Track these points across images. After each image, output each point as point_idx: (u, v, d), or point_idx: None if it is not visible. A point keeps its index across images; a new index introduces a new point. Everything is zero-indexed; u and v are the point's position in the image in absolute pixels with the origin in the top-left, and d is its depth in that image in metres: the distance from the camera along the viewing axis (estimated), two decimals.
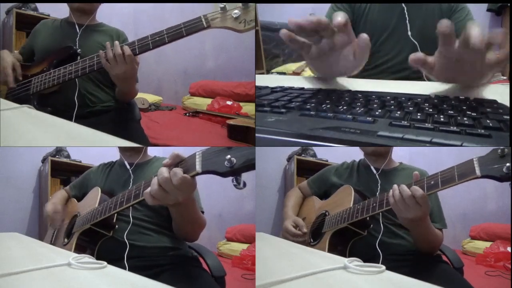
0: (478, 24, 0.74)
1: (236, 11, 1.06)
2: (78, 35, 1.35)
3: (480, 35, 0.72)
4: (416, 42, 1.38)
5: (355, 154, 1.43)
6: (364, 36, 0.89)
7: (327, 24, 0.84)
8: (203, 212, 1.16)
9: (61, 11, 1.47)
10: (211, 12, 1.07)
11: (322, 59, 0.93)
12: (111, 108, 1.38)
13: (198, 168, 0.78)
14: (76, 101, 1.29)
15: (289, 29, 0.86)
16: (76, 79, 1.27)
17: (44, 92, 1.26)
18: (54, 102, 1.28)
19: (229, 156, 0.72)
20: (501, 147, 0.79)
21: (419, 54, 0.83)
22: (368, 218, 1.15)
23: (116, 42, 1.15)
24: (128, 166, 1.25)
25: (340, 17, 0.83)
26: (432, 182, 0.93)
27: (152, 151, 1.33)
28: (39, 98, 1.26)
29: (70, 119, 1.24)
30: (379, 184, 1.26)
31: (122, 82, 1.24)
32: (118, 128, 1.35)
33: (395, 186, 1.01)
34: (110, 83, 1.37)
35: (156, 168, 1.23)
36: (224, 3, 1.07)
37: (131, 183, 1.20)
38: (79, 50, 1.29)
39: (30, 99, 1.26)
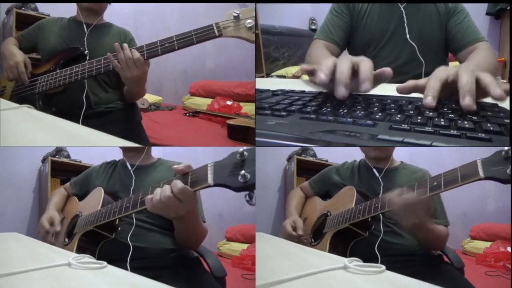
0: (467, 80, 0.67)
1: (249, 20, 1.03)
2: (86, 35, 1.35)
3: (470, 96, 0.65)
4: (415, 45, 1.38)
5: (355, 154, 1.42)
6: (388, 70, 0.83)
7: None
8: (204, 222, 1.15)
9: (61, 11, 1.47)
10: (224, 21, 1.05)
11: None
12: (113, 110, 1.38)
13: (210, 181, 0.77)
14: (84, 100, 1.30)
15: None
16: (84, 80, 1.27)
17: (50, 92, 1.26)
18: (58, 102, 1.28)
19: (243, 172, 0.72)
20: (505, 149, 0.79)
21: (408, 84, 0.81)
22: (369, 219, 1.14)
23: (125, 45, 1.13)
24: (130, 168, 1.24)
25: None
26: (435, 183, 0.93)
27: (153, 152, 1.32)
28: (44, 97, 1.26)
29: (74, 119, 1.23)
30: (381, 186, 1.26)
31: (132, 83, 1.24)
32: (120, 130, 1.35)
33: (395, 192, 1.02)
34: (116, 85, 1.38)
35: (161, 172, 1.23)
36: (238, 12, 1.05)
37: (133, 185, 1.20)
38: (86, 51, 1.29)
39: (36, 98, 1.26)
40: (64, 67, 1.25)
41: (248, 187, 0.73)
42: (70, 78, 1.21)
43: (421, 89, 0.82)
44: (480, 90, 0.67)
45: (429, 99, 0.67)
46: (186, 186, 0.80)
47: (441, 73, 0.72)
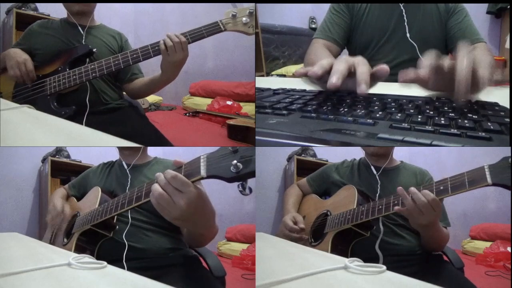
0: (466, 52, 0.70)
1: (244, 18, 1.24)
2: (84, 36, 1.37)
3: (467, 66, 0.68)
4: (414, 44, 1.38)
5: (355, 154, 1.42)
6: (385, 68, 0.82)
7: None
8: None
9: (61, 11, 1.48)
10: (224, 18, 1.26)
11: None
12: (122, 106, 1.42)
13: (203, 172, 0.76)
14: (87, 102, 1.30)
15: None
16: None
17: (63, 92, 1.26)
18: (72, 101, 1.27)
19: (235, 162, 0.71)
20: None
21: (408, 72, 0.81)
22: (371, 220, 1.14)
23: (172, 33, 1.22)
24: (126, 167, 1.24)
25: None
26: (442, 188, 0.93)
27: (151, 152, 1.32)
28: (58, 98, 1.25)
29: (90, 115, 1.29)
30: (379, 185, 1.26)
31: (175, 68, 1.31)
32: (135, 123, 1.41)
33: (412, 189, 1.00)
34: (115, 84, 1.43)
35: (156, 171, 1.22)
36: (235, 11, 1.23)
37: (129, 184, 1.20)
38: (95, 49, 1.32)
39: (48, 99, 1.24)
40: (73, 66, 1.26)
41: (241, 177, 0.72)
42: (87, 76, 1.24)
43: (420, 80, 0.82)
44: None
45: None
46: (179, 174, 0.78)
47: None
